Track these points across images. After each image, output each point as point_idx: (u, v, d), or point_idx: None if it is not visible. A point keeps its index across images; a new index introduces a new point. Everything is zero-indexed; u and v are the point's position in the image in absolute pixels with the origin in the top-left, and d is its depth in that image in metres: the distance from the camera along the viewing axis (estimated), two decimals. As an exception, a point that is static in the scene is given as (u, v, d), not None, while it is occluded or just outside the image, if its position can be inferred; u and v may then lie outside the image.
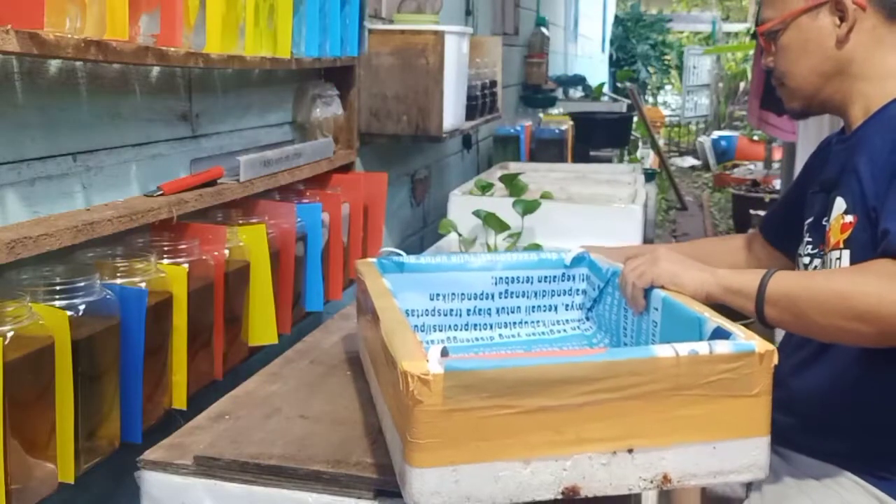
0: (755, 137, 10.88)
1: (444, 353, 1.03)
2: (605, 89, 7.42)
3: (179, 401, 1.47)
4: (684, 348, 1.07)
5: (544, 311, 1.67)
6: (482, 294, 1.64)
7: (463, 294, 1.63)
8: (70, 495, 1.29)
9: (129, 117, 1.50)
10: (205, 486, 1.21)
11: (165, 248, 1.48)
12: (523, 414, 1.03)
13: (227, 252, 1.58)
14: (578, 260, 1.66)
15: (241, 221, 1.70)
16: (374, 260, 1.59)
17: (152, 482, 1.23)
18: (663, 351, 1.07)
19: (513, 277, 1.65)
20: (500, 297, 1.65)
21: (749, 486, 1.60)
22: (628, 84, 8.83)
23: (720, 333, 1.16)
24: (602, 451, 1.06)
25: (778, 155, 7.64)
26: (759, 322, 1.31)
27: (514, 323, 1.66)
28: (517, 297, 1.65)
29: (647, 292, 1.39)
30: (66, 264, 1.31)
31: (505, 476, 1.03)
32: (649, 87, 13.32)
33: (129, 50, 1.32)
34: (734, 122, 13.68)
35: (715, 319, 1.20)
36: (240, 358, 1.69)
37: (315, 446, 1.25)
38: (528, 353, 1.39)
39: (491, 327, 1.65)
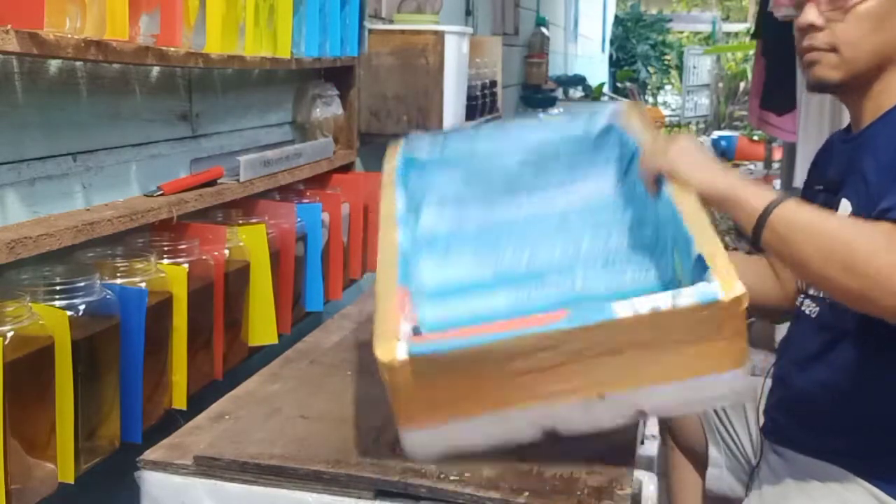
0: (755, 137, 10.84)
1: (416, 331, 1.07)
2: (605, 89, 7.43)
3: (179, 401, 1.47)
4: (645, 304, 1.03)
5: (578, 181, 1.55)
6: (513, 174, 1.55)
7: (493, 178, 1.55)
8: (70, 495, 1.29)
9: (129, 117, 1.50)
10: (205, 486, 1.21)
11: (165, 248, 1.48)
12: (493, 380, 1.08)
13: (227, 252, 1.58)
14: (607, 130, 1.55)
15: (241, 221, 1.70)
16: (399, 156, 1.58)
17: (152, 482, 1.23)
18: (622, 310, 1.03)
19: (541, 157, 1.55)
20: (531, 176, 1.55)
21: (748, 486, 1.60)
22: (628, 84, 8.84)
23: (699, 263, 1.09)
24: (576, 402, 1.10)
25: (778, 155, 7.61)
26: (752, 243, 1.24)
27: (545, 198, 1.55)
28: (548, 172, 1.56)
29: (660, 179, 1.30)
30: (66, 264, 1.31)
31: (488, 425, 1.11)
32: (649, 87, 13.29)
33: (129, 50, 1.32)
34: (734, 122, 13.64)
35: (701, 245, 1.11)
36: (240, 358, 1.69)
37: (315, 446, 1.24)
38: (495, 325, 1.15)
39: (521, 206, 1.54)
